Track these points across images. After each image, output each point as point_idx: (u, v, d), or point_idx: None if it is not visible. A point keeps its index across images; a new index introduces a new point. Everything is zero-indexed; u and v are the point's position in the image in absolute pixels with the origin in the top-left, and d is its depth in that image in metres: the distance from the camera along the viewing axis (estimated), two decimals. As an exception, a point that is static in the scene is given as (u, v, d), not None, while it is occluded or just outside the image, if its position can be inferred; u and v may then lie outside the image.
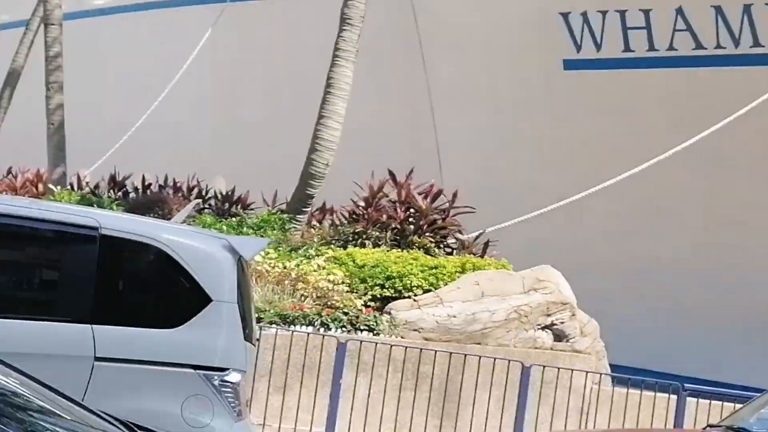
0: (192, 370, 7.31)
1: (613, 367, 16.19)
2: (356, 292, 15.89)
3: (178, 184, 21.68)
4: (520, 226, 20.22)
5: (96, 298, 7.47)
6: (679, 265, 22.85)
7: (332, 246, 17.45)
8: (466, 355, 14.32)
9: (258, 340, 9.13)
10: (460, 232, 18.69)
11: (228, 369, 7.43)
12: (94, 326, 7.20)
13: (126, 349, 7.30)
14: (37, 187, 21.06)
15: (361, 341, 14.32)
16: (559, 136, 25.08)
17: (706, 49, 24.96)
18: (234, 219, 18.70)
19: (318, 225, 18.89)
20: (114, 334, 7.25)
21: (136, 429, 4.29)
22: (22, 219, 8.03)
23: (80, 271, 7.67)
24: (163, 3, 32.12)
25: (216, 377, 7.35)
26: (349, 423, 13.24)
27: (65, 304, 7.51)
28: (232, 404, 7.43)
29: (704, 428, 11.63)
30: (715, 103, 23.19)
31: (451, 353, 14.39)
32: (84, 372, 7.03)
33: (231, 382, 7.43)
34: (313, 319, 14.98)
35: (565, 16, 26.17)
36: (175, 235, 8.00)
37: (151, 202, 18.93)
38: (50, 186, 20.71)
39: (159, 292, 7.62)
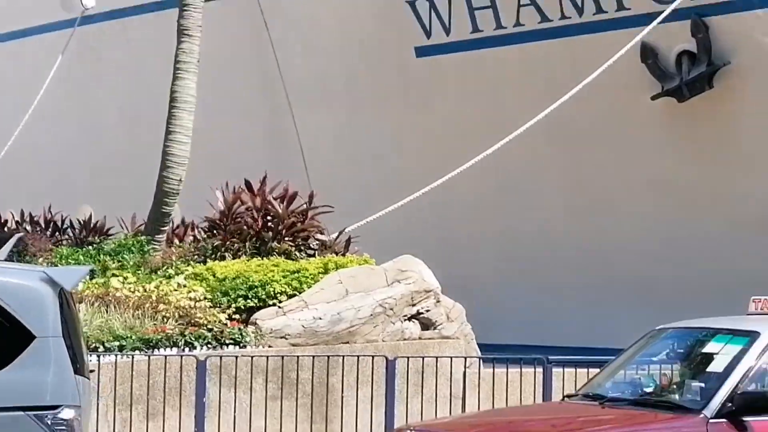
0: (22, 413, 7.25)
1: (487, 347, 16.37)
2: (219, 307, 15.77)
3: (36, 219, 21.18)
4: (386, 218, 20.29)
5: None
6: (543, 237, 23.36)
7: (191, 263, 17.32)
8: (329, 357, 14.34)
9: (92, 371, 8.98)
10: (320, 232, 18.70)
11: (60, 406, 7.29)
12: None
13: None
14: None
15: (220, 356, 14.13)
16: (419, 124, 25.25)
17: (551, 21, 25.18)
18: (91, 247, 18.36)
19: (178, 243, 18.73)
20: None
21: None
22: None
23: None
24: (9, 35, 31.81)
25: (48, 416, 7.27)
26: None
27: None
28: None
29: (562, 400, 11.88)
30: (567, 75, 23.58)
31: (314, 356, 14.40)
32: None
33: (64, 419, 7.28)
34: (177, 339, 14.72)
35: (411, 3, 26.20)
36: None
37: (4, 241, 18.71)
38: None
39: None
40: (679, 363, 10.52)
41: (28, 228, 20.59)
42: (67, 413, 7.33)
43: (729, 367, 9.32)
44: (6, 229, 21.21)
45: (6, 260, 13.68)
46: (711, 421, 8.91)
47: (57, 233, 20.70)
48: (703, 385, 9.58)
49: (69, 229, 20.79)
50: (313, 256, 17.65)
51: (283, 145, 25.91)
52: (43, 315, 7.46)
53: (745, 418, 8.86)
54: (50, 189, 23.67)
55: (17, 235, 18.76)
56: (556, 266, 22.47)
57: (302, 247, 18.01)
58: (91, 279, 15.51)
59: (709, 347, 9.97)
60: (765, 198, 22.41)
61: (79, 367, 7.76)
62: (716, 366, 9.48)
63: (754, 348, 9.38)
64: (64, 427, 7.34)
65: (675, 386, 10.09)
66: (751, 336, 9.74)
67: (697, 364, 10.01)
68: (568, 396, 11.44)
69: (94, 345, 13.51)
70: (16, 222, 21.37)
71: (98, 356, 12.81)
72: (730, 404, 8.99)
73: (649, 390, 10.24)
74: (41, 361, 7.40)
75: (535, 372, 14.38)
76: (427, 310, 16.05)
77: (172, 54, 20.17)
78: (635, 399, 10.14)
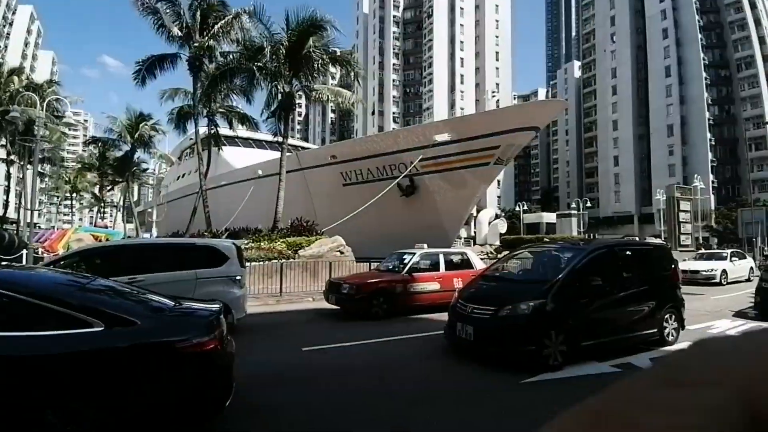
0: (226, 277, 6.90)
1: (357, 258, 15.26)
2: (290, 250, 14.72)
3: (244, 227, 19.86)
4: (335, 228, 18.81)
5: (195, 262, 6.83)
6: (369, 236, 20.55)
7: (282, 239, 16.05)
8: (315, 262, 13.66)
9: (245, 266, 8.55)
10: (317, 230, 17.56)
11: (237, 275, 7.02)
12: (197, 270, 6.74)
13: (207, 274, 6.80)
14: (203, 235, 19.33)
15: (290, 262, 13.51)
16: (343, 204, 22.65)
17: (369, 179, 24.28)
18: (257, 235, 17.09)
19: (278, 234, 17.32)
20: (204, 271, 6.82)
21: (180, 300, 3.92)
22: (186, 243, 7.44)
23: (173, 258, 6.87)
24: (234, 182, 29.90)
25: (234, 278, 6.97)
26: (288, 286, 12.22)
27: (187, 263, 6.77)
28: (240, 284, 7.01)
29: (371, 270, 11.56)
30: (378, 190, 22.16)
31: (313, 261, 13.77)
32: (193, 282, 6.55)
33: (239, 279, 7.00)
34: (277, 257, 13.71)
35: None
36: (216, 242, 7.63)
37: (235, 235, 17.66)
38: (204, 233, 18.90)
39: (214, 258, 6.96)
40: (398, 260, 10.04)
41: (240, 231, 19.20)
42: (239, 277, 7.13)
43: (409, 260, 9.32)
44: (234, 230, 19.67)
45: (227, 237, 12.72)
46: (404, 274, 8.92)
47: (247, 231, 18.80)
48: (402, 264, 9.53)
49: (251, 231, 18.96)
50: (314, 236, 16.63)
51: (309, 207, 23.40)
52: (231, 253, 7.19)
53: (412, 274, 8.89)
54: (245, 221, 21.68)
55: (227, 232, 17.88)
56: (371, 241, 18.82)
57: (311, 234, 16.97)
58: (254, 243, 14.93)
59: (405, 256, 9.86)
60: (427, 221, 21.68)
61: (243, 264, 7.46)
62: (407, 260, 9.47)
63: (416, 256, 9.38)
64: (239, 280, 7.12)
65: (396, 265, 9.88)
66: (413, 253, 9.61)
67: (401, 259, 9.88)
68: (372, 269, 11.22)
69: (252, 260, 12.98)
70: (235, 230, 19.49)
71: (251, 263, 12.18)
72: (407, 269, 9.01)
73: (390, 267, 9.97)
74: (231, 264, 7.12)
75: (366, 263, 13.65)
76: (342, 250, 15.40)
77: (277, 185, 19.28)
78: (389, 269, 9.98)
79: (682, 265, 15.45)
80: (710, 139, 54.47)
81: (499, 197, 68.90)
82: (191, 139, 41.60)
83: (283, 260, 13.86)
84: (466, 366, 5.16)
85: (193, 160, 43.76)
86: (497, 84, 68.04)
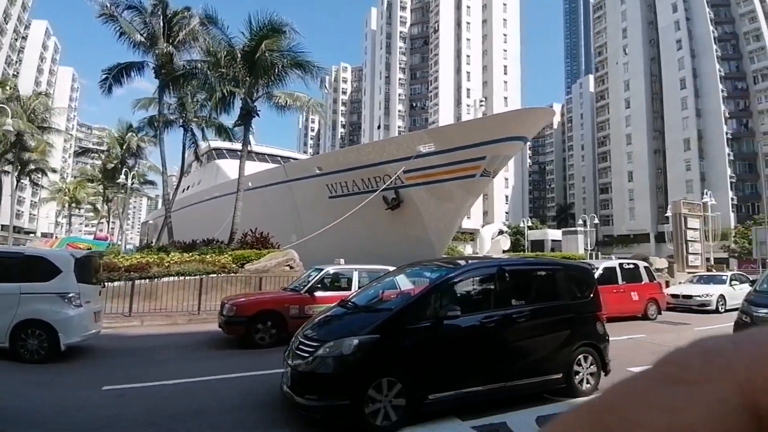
0: (55, 294, 5.86)
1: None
2: (236, 263, 13.64)
3: (205, 240, 18.37)
4: (320, 241, 17.87)
5: (23, 274, 5.81)
6: (344, 247, 18.94)
7: (232, 251, 15.01)
8: (261, 278, 12.31)
9: (102, 284, 7.44)
10: (272, 244, 16.50)
11: (69, 292, 5.95)
12: (21, 284, 5.75)
13: (32, 289, 5.80)
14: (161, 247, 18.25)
15: (229, 276, 12.36)
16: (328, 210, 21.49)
17: (362, 190, 23.35)
18: (210, 247, 15.99)
19: (230, 247, 16.29)
20: (30, 285, 5.78)
21: None
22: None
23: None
24: (225, 194, 28.17)
25: (66, 294, 5.92)
26: (218, 303, 10.90)
27: (14, 275, 5.76)
28: (74, 303, 5.93)
29: (281, 288, 10.25)
30: (359, 201, 20.96)
31: (260, 277, 12.46)
32: (16, 297, 5.59)
33: (71, 297, 5.96)
34: (219, 272, 12.68)
35: (328, 187, 24.47)
36: (48, 252, 6.66)
37: (191, 247, 16.51)
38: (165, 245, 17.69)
39: (44, 270, 5.95)
40: (307, 277, 8.77)
41: (200, 243, 17.67)
42: (72, 294, 6.03)
43: (308, 282, 8.10)
44: (188, 243, 17.84)
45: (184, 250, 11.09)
46: (303, 294, 7.70)
47: (207, 243, 17.53)
48: (307, 286, 8.26)
49: (210, 242, 17.75)
50: (268, 249, 15.53)
51: (296, 219, 21.63)
52: (66, 265, 6.12)
53: (314, 294, 7.66)
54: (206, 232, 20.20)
55: (185, 244, 16.69)
56: (356, 256, 16.63)
57: (264, 247, 15.89)
58: (199, 255, 13.81)
59: (313, 272, 8.60)
60: (413, 236, 20.48)
61: (89, 279, 6.41)
62: (311, 277, 8.24)
63: (320, 273, 8.17)
64: (73, 297, 6.03)
65: (303, 283, 8.62)
66: (321, 269, 8.40)
67: (309, 276, 8.62)
68: (283, 288, 9.84)
69: (189, 273, 11.83)
70: (193, 242, 17.82)
71: (184, 277, 11.06)
72: (306, 288, 7.79)
73: (295, 286, 8.63)
74: (63, 279, 6.06)
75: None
76: (292, 264, 14.12)
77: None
78: (294, 288, 8.66)
79: (674, 289, 13.65)
80: (729, 154, 51.36)
81: (507, 213, 66.71)
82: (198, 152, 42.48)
83: (223, 274, 12.74)
84: (279, 424, 3.83)
85: (195, 173, 44.47)
86: (505, 98, 66.69)
